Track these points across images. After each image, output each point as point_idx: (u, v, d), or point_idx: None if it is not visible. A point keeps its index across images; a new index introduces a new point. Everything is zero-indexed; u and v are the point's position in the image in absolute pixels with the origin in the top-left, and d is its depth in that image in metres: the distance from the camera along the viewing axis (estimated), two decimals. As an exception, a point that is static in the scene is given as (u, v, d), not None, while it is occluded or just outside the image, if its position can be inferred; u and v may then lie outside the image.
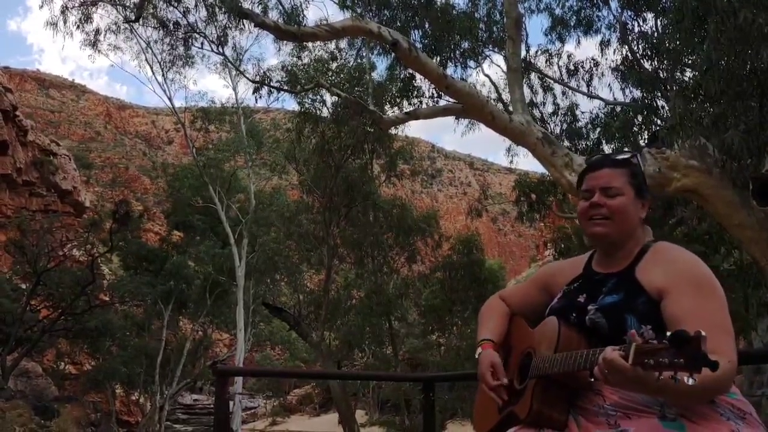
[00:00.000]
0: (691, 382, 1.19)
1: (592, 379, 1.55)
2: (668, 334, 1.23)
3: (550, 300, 1.83)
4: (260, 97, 17.03)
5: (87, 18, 16.46)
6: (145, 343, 28.57)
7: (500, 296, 2.04)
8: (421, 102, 12.58)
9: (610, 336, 1.53)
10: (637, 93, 11.44)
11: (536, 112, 12.02)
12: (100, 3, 16.15)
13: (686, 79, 9.24)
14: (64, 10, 15.77)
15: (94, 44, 18.00)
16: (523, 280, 2.16)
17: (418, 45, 9.86)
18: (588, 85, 12.57)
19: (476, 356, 1.86)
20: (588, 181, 1.75)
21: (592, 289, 1.71)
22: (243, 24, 14.30)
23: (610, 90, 22.03)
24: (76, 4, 15.95)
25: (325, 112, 17.52)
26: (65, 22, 16.08)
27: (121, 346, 29.11)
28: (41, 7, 15.98)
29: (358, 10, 11.02)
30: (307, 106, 17.46)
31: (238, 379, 22.18)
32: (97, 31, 17.72)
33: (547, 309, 1.79)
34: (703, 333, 1.19)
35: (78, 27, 16.43)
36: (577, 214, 1.81)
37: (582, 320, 1.65)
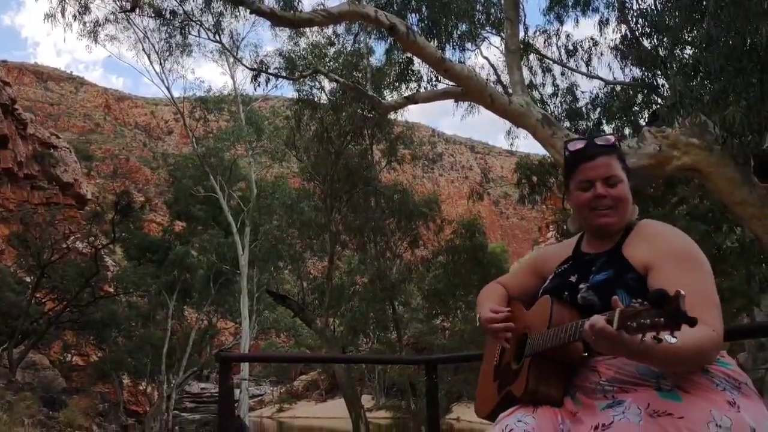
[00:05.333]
0: (672, 340, 1.22)
1: (586, 354, 1.58)
2: (648, 294, 1.26)
3: (543, 283, 1.85)
4: (258, 84, 17.06)
5: (84, 9, 16.47)
6: (150, 333, 28.70)
7: (497, 282, 2.07)
8: (419, 86, 12.56)
9: (602, 312, 1.55)
10: (637, 72, 11.39)
11: (536, 94, 11.97)
12: (95, -7, 16.11)
13: (686, 56, 9.19)
14: (62, 0, 15.76)
15: (91, 35, 18.03)
16: (524, 261, 2.19)
17: (416, 29, 9.80)
18: (587, 65, 12.52)
19: (477, 324, 1.89)
20: (584, 172, 1.73)
21: (583, 269, 1.73)
22: (239, 11, 14.28)
23: (610, 69, 21.84)
24: (73, -6, 15.94)
25: (323, 99, 17.48)
26: (63, 14, 16.09)
27: (127, 337, 29.28)
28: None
29: (355, -6, 10.94)
30: (305, 92, 17.40)
31: (244, 366, 22.32)
32: (96, 22, 17.75)
33: (540, 291, 1.82)
34: (682, 292, 1.21)
35: (75, 18, 16.45)
36: (574, 204, 1.78)
37: (574, 298, 1.67)
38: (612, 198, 1.69)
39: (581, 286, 1.67)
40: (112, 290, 29.02)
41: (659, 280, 1.54)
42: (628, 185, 1.73)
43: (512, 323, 1.78)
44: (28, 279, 27.02)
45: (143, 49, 21.03)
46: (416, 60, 11.65)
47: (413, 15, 10.92)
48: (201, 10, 15.35)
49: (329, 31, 16.33)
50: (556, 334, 1.57)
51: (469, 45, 11.63)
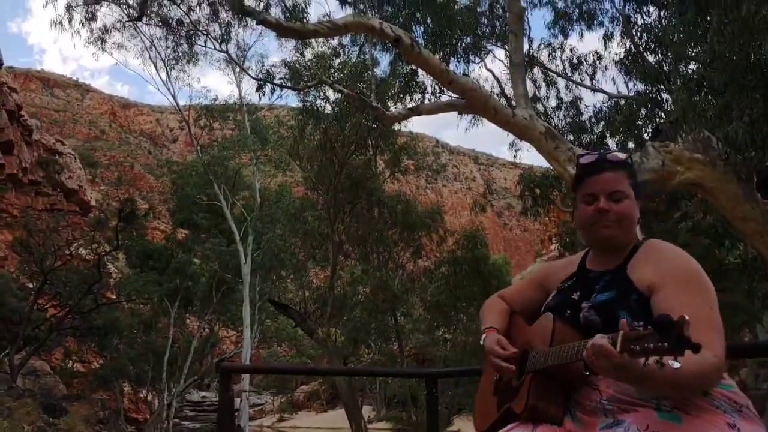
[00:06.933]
0: (675, 365, 1.21)
1: (587, 373, 1.55)
2: (652, 319, 1.25)
3: (546, 298, 1.84)
4: (263, 94, 17.15)
5: (92, 16, 16.58)
6: (152, 341, 28.64)
7: (500, 296, 2.06)
8: (424, 97, 12.60)
9: (604, 333, 1.51)
10: (641, 86, 11.41)
11: (539, 107, 12.02)
12: (103, 1, 16.23)
13: (690, 71, 9.21)
14: (69, 8, 15.86)
15: (98, 42, 18.12)
16: (527, 275, 2.18)
17: (421, 41, 9.84)
18: (591, 79, 12.57)
19: (481, 342, 1.88)
20: (590, 185, 1.72)
21: (586, 286, 1.72)
22: (245, 21, 14.36)
23: (614, 83, 21.71)
24: (80, 2, 16.05)
25: (328, 109, 17.55)
26: (70, 21, 16.20)
27: (129, 344, 29.21)
28: (45, 6, 16.14)
29: (360, 6, 11.02)
30: (309, 102, 17.47)
31: (245, 376, 22.26)
32: (103, 29, 17.86)
33: (543, 307, 1.81)
34: (687, 317, 1.21)
35: (83, 25, 16.56)
36: (578, 218, 1.77)
37: (576, 317, 1.66)
38: (616, 213, 1.67)
39: (584, 304, 1.66)
40: (114, 297, 29.02)
41: (663, 303, 1.53)
42: (637, 204, 1.72)
43: (514, 367, 1.75)
44: (30, 285, 27.03)
45: (149, 57, 21.10)
46: (421, 72, 11.69)
47: (418, 27, 10.99)
48: (208, 19, 15.47)
49: (335, 42, 16.42)
50: (558, 353, 1.57)
51: (473, 57, 11.70)
